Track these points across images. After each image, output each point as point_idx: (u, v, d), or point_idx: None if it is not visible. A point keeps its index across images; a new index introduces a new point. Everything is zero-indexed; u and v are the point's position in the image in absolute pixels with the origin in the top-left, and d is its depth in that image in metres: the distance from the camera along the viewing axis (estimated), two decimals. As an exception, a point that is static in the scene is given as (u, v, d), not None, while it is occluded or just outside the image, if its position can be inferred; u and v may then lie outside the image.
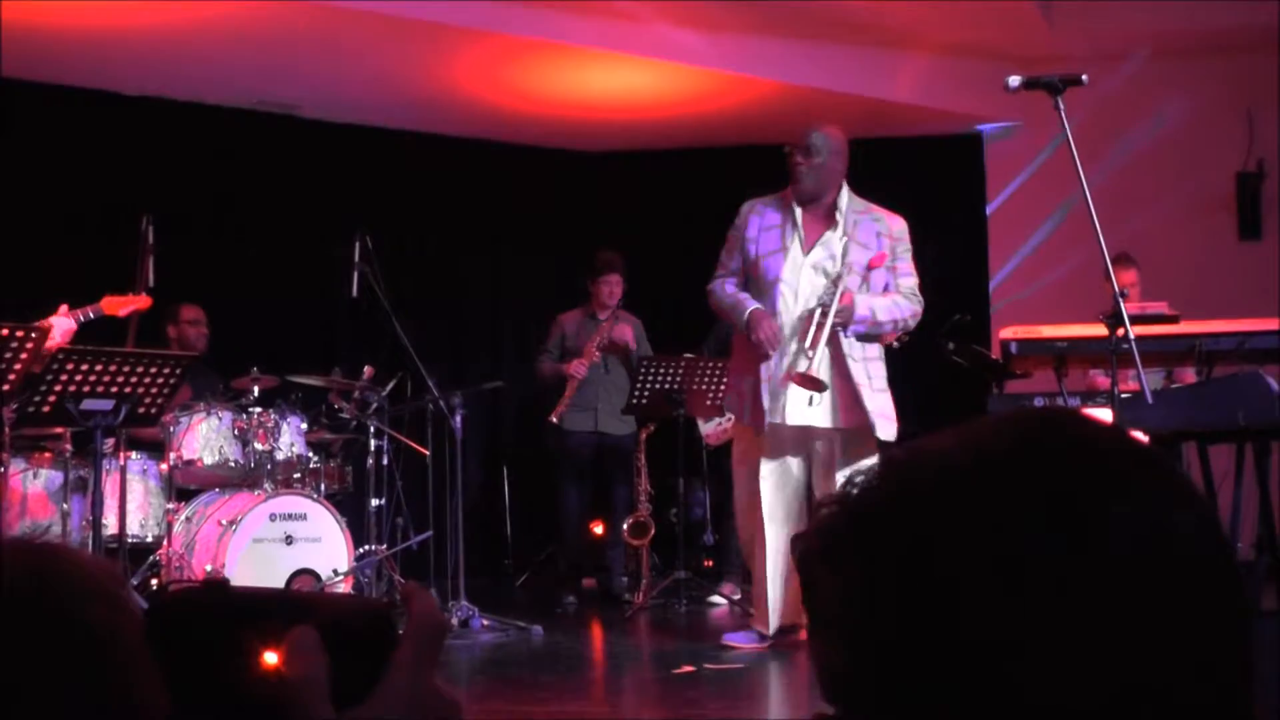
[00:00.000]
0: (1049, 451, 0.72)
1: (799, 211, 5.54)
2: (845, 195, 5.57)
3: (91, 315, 5.72)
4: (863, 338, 5.42)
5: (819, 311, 5.31)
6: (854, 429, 5.38)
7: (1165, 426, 4.12)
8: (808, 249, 5.48)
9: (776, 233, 5.54)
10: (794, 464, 5.54)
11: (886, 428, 5.38)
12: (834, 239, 5.47)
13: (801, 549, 0.76)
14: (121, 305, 5.86)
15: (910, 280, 5.52)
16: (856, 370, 5.36)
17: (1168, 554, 0.70)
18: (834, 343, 5.32)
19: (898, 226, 5.57)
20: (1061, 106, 4.06)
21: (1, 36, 6.54)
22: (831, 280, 5.38)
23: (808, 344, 5.27)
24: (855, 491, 0.75)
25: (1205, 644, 0.69)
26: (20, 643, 0.68)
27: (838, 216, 5.51)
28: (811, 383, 5.23)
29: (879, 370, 5.47)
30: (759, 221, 5.60)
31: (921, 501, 0.71)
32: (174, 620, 0.78)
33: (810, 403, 5.35)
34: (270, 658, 0.77)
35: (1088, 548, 0.69)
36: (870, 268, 5.44)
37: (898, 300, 5.43)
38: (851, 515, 0.74)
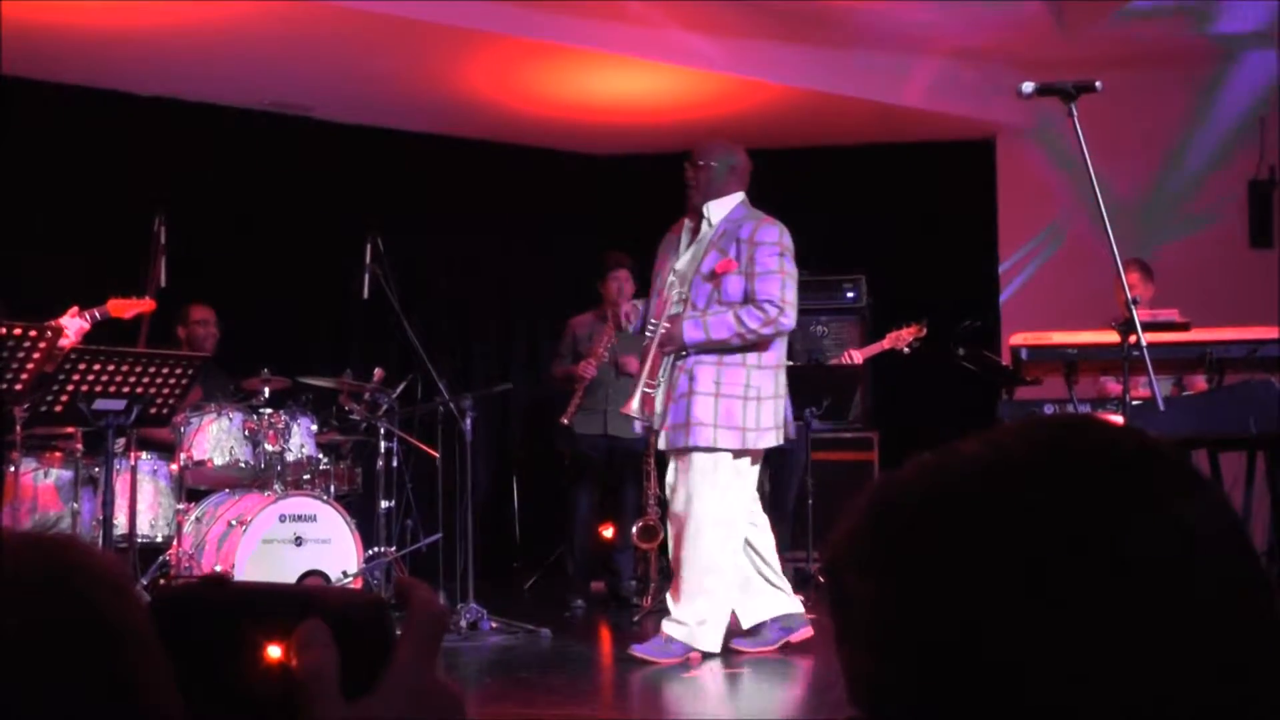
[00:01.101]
0: (1074, 457, 0.73)
1: (688, 228, 5.65)
2: (724, 205, 5.57)
3: (98, 317, 5.74)
4: (715, 349, 5.39)
5: (650, 344, 5.43)
6: (677, 449, 5.40)
7: (1177, 433, 4.11)
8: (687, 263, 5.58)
9: (670, 254, 5.67)
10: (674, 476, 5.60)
11: (717, 435, 5.33)
12: (699, 250, 5.53)
13: (828, 555, 0.77)
14: (127, 308, 5.88)
15: (769, 288, 5.35)
16: (703, 379, 5.36)
17: (1191, 558, 0.70)
18: (675, 359, 5.43)
19: (762, 233, 5.43)
20: (1075, 113, 4.05)
21: (15, 36, 6.57)
22: (675, 302, 5.46)
23: (637, 378, 5.46)
24: (881, 497, 0.75)
25: (1230, 648, 0.70)
26: (36, 635, 0.69)
27: (704, 227, 5.55)
28: (632, 417, 5.49)
29: (735, 376, 5.38)
30: (662, 249, 5.74)
31: (949, 505, 0.72)
32: (175, 615, 0.78)
33: (640, 429, 5.56)
34: (274, 651, 0.77)
35: (1110, 552, 0.69)
36: (717, 273, 5.41)
37: (740, 313, 5.32)
38: (878, 519, 0.75)
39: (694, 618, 5.36)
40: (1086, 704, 0.68)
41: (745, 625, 5.59)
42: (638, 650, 5.42)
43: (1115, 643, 0.68)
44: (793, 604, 5.59)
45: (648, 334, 5.50)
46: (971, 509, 0.71)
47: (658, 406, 5.45)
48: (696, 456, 5.35)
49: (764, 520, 5.64)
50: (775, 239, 5.44)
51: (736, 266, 5.40)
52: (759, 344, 5.41)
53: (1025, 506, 0.71)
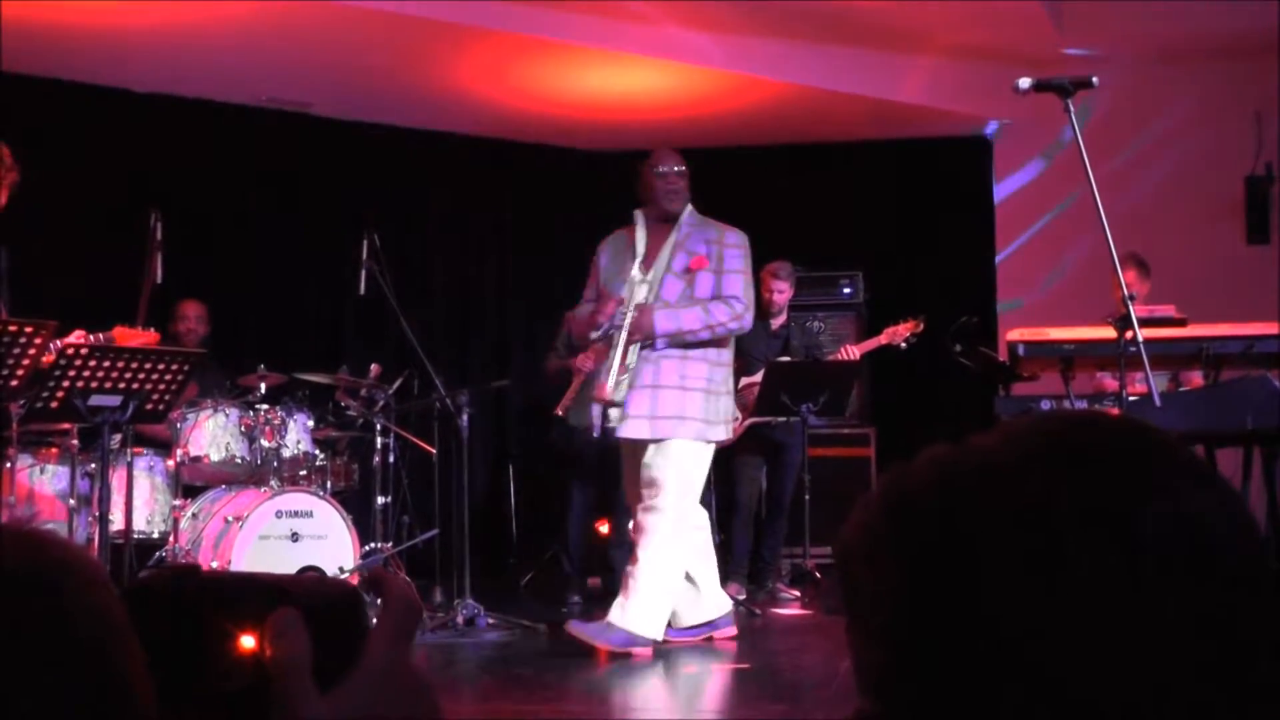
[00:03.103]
0: (1086, 450, 0.73)
1: (643, 231, 5.78)
2: (687, 209, 5.78)
3: (102, 341, 5.74)
4: (682, 342, 5.53)
5: (619, 332, 5.53)
6: (648, 440, 5.50)
7: (1173, 430, 4.11)
8: (648, 265, 5.69)
9: (623, 254, 5.79)
10: (630, 467, 5.72)
11: (679, 428, 5.48)
12: (666, 251, 5.69)
13: (839, 547, 0.77)
14: (132, 338, 5.88)
15: (734, 287, 5.62)
16: (668, 372, 5.49)
17: (1200, 553, 0.71)
18: (646, 351, 5.52)
19: (730, 236, 5.71)
20: (1071, 109, 4.05)
21: (14, 32, 6.56)
22: (636, 299, 5.58)
23: (609, 364, 5.52)
24: (894, 489, 0.75)
25: (1239, 639, 0.70)
26: (15, 629, 0.69)
27: (672, 232, 5.72)
28: (607, 403, 5.54)
29: (698, 370, 5.56)
30: (609, 249, 5.89)
31: (962, 498, 0.73)
32: (146, 606, 0.78)
33: (609, 418, 5.56)
34: (247, 641, 0.77)
35: (1121, 545, 0.70)
36: (690, 269, 5.62)
37: (710, 306, 5.55)
38: (891, 511, 0.75)
39: (644, 607, 5.47)
40: (1097, 694, 0.68)
41: (684, 621, 5.77)
42: (574, 627, 5.55)
43: (1127, 634, 0.69)
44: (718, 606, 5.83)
45: (615, 324, 5.56)
46: (984, 501, 0.72)
47: (621, 393, 5.52)
48: (671, 445, 5.48)
49: (704, 517, 5.82)
50: (740, 243, 5.71)
51: (709, 264, 5.63)
52: (719, 340, 5.63)
53: (1038, 499, 0.71)
